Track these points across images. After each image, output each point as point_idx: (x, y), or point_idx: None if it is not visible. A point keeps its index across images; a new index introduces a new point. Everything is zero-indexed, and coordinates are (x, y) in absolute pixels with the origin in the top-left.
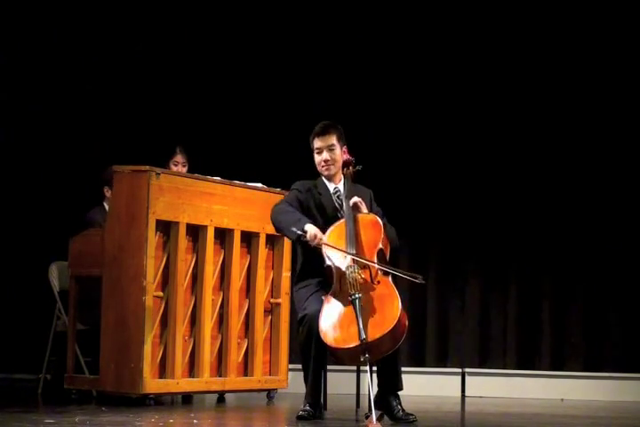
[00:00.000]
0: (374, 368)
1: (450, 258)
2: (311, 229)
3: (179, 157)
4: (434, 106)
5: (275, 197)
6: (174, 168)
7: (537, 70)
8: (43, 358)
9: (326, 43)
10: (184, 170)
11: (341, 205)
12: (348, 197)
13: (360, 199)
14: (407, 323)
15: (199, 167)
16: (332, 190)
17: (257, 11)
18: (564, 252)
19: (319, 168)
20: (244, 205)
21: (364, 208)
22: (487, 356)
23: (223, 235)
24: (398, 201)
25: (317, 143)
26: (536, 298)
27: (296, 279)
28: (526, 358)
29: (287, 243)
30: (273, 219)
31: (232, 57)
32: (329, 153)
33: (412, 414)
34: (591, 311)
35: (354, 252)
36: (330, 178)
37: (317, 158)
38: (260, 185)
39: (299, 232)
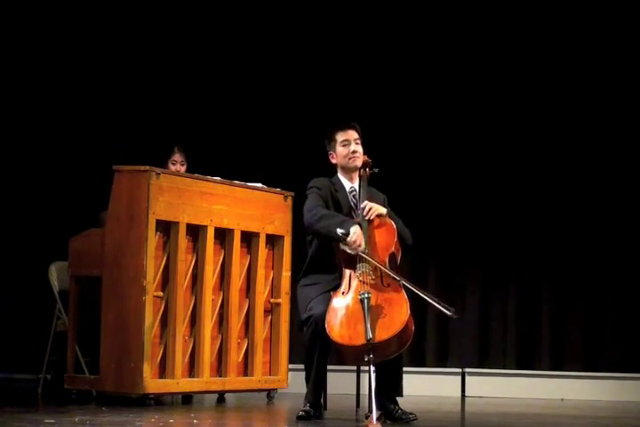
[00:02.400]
0: (374, 369)
1: (450, 258)
2: (354, 233)
3: (177, 156)
4: (438, 115)
5: (275, 197)
6: (173, 167)
7: (541, 82)
8: (43, 358)
9: (332, 43)
10: (183, 169)
11: (357, 205)
12: (363, 199)
13: (373, 205)
14: (414, 329)
15: (199, 167)
16: (347, 189)
17: (258, 10)
18: (563, 252)
19: (345, 160)
20: (244, 205)
21: (373, 214)
22: (487, 356)
23: (223, 235)
24: (399, 200)
25: (344, 136)
26: (536, 298)
27: (302, 274)
28: (526, 358)
29: (287, 243)
30: (316, 224)
31: (232, 57)
32: (356, 146)
33: (411, 413)
34: (591, 311)
35: (367, 251)
36: (350, 174)
37: (344, 150)
38: (259, 185)
39: (340, 232)
